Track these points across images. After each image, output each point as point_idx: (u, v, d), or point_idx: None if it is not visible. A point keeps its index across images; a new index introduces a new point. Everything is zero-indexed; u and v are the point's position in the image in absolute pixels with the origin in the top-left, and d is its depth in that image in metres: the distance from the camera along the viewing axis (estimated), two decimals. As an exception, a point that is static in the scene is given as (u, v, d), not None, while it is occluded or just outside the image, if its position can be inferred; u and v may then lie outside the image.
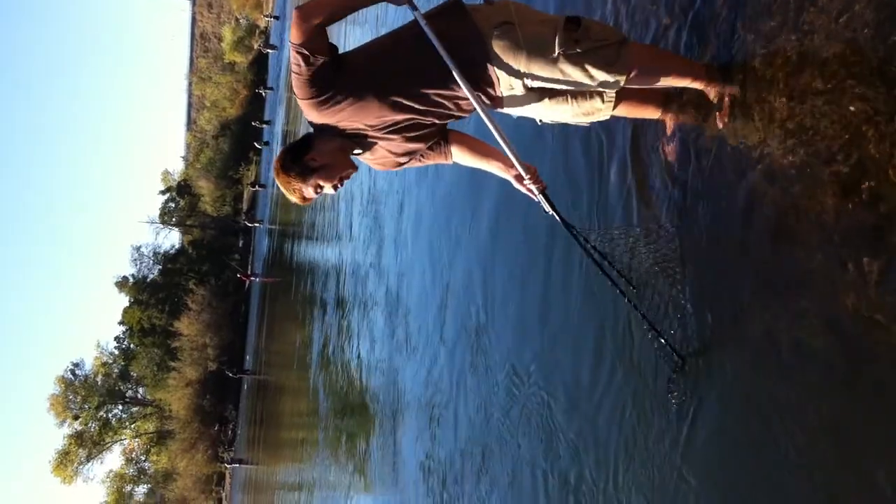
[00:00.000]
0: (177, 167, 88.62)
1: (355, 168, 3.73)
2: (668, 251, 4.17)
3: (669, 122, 4.33)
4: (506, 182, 3.96)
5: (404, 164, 3.87)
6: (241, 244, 73.66)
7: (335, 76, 3.37)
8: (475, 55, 3.46)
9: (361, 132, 3.58)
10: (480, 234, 8.21)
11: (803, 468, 3.08)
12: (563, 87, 3.59)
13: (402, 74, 3.49)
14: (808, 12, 3.26)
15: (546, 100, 3.71)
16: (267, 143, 60.70)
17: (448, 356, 8.79)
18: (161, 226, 78.56)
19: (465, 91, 3.44)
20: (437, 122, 3.68)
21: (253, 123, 65.80)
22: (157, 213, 79.54)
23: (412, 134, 3.67)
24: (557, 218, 3.90)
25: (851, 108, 2.94)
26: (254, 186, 62.27)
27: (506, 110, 3.81)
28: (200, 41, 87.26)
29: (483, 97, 3.59)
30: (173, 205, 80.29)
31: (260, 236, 57.99)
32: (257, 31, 73.32)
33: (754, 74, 3.59)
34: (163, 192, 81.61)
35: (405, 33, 3.51)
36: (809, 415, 3.07)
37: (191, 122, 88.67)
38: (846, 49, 3.02)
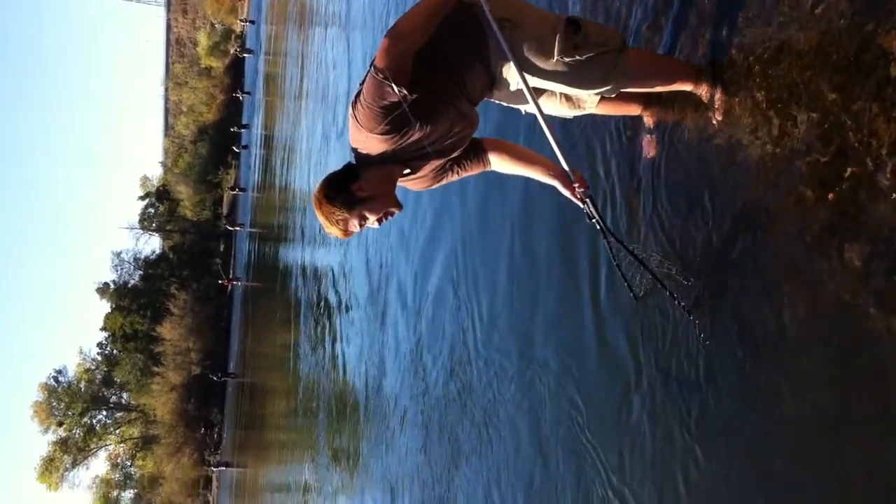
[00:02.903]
0: (155, 172, 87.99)
1: (400, 207, 3.48)
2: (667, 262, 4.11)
3: (650, 118, 4.37)
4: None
5: (442, 178, 3.69)
6: (221, 248, 73.31)
7: (411, 107, 3.13)
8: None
9: (421, 152, 3.37)
10: (465, 229, 8.23)
11: (787, 450, 3.13)
12: (557, 89, 3.61)
13: (454, 80, 3.35)
14: (785, 5, 3.30)
15: None
16: (245, 147, 60.38)
17: (432, 354, 8.80)
18: (141, 231, 78.13)
19: (514, 82, 3.37)
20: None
21: (231, 128, 65.50)
22: (137, 218, 79.14)
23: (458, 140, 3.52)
24: (599, 227, 3.81)
25: (831, 97, 2.98)
26: (233, 190, 61.90)
27: (493, 100, 3.76)
28: (176, 46, 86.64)
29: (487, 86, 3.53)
30: (153, 210, 79.82)
31: (241, 240, 57.73)
32: (233, 36, 72.86)
33: (737, 70, 3.62)
34: (142, 198, 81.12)
35: (440, 34, 3.25)
36: (793, 402, 3.12)
37: (168, 128, 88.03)
38: (822, 39, 3.06)
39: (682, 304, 3.87)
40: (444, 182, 3.74)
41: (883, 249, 2.74)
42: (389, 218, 3.49)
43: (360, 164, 3.39)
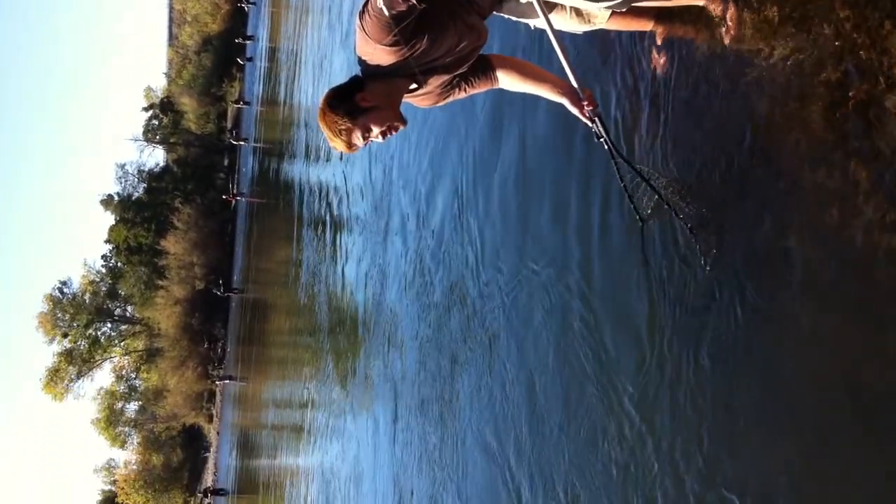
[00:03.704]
0: (159, 84, 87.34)
1: (405, 122, 3.41)
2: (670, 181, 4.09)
3: (661, 34, 4.31)
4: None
5: (449, 95, 3.63)
6: (226, 162, 73.10)
7: (419, 17, 3.08)
8: None
9: (429, 65, 3.33)
10: (472, 148, 8.18)
11: (785, 376, 3.16)
12: (567, 3, 3.55)
13: None
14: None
15: None
16: (250, 59, 59.77)
17: (435, 272, 8.84)
18: (145, 143, 77.87)
19: None
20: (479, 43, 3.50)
21: (236, 39, 64.70)
22: (141, 130, 78.77)
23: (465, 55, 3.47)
24: (607, 146, 3.76)
25: (843, 14, 2.94)
26: (238, 103, 61.37)
27: (502, 14, 3.72)
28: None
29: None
30: (157, 122, 79.38)
31: (245, 155, 57.49)
32: (239, -58, 71.49)
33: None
34: (146, 110, 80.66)
35: None
36: (796, 326, 3.15)
37: (172, 38, 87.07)
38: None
39: (688, 224, 3.87)
40: (450, 99, 3.69)
41: (891, 168, 2.73)
42: (394, 132, 3.43)
43: (366, 76, 3.34)
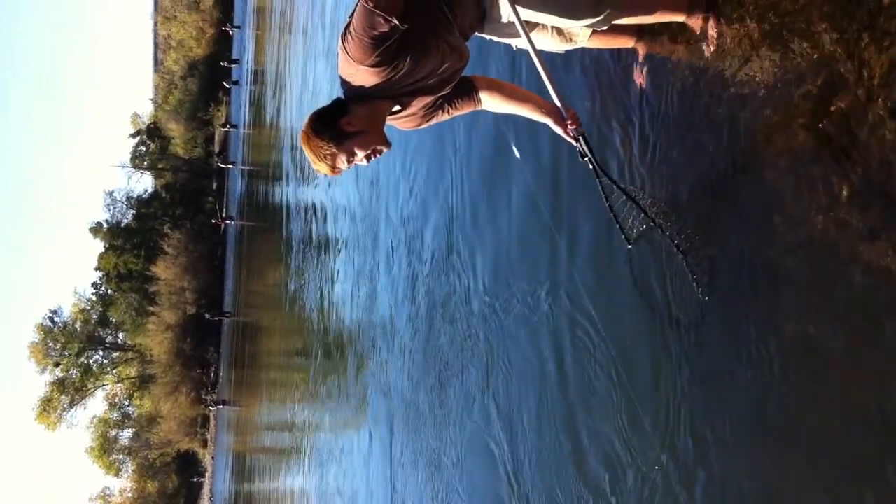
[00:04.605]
0: (146, 110, 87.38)
1: (389, 145, 3.40)
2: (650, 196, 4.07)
3: (642, 51, 4.33)
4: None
5: (432, 117, 3.63)
6: (214, 186, 73.07)
7: (402, 38, 3.06)
8: None
9: (412, 87, 3.33)
10: (461, 171, 8.20)
11: (772, 381, 3.17)
12: (548, 22, 3.56)
13: (444, 12, 3.28)
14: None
15: None
16: (236, 83, 59.89)
17: (426, 289, 8.84)
18: (133, 170, 77.82)
19: (505, 14, 3.31)
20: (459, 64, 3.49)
21: (221, 63, 64.86)
22: (129, 157, 78.71)
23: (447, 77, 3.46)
24: (592, 166, 3.73)
25: (822, 27, 2.96)
26: (225, 127, 61.47)
27: (484, 36, 3.71)
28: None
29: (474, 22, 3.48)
30: (144, 148, 79.36)
31: (234, 178, 57.49)
32: (221, -33, 71.76)
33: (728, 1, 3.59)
34: (133, 136, 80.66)
35: None
36: (782, 333, 3.16)
37: (158, 63, 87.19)
38: (816, -31, 3.03)
39: (675, 242, 3.84)
40: (433, 121, 3.68)
41: (870, 180, 2.74)
42: (378, 155, 3.42)
43: (350, 98, 3.34)
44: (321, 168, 3.37)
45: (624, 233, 4.18)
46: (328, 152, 3.30)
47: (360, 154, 3.35)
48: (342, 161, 3.34)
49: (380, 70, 3.14)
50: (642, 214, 3.97)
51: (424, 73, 3.30)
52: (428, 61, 3.26)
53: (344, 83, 3.32)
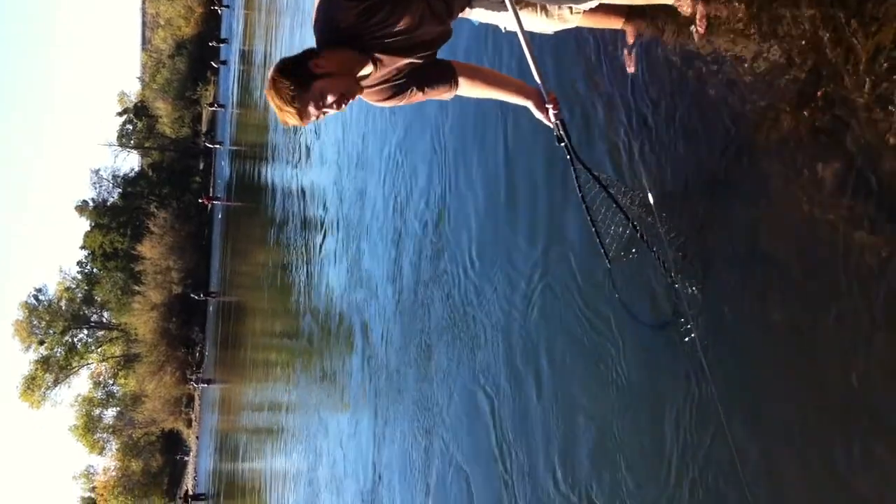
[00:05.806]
0: (133, 88, 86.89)
1: (361, 88, 3.28)
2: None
3: (631, 33, 4.34)
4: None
5: (404, 95, 3.53)
6: (201, 166, 72.68)
7: None
8: None
9: (385, 42, 3.24)
10: (447, 147, 8.19)
11: (758, 361, 3.20)
12: (538, 0, 3.56)
13: None
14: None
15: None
16: (224, 62, 59.44)
17: (411, 271, 8.85)
18: (119, 148, 77.38)
19: None
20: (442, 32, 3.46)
21: (209, 43, 64.38)
22: (115, 135, 78.26)
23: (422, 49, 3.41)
24: (568, 153, 3.69)
25: (809, 13, 2.97)
26: (213, 107, 61.04)
27: (472, 15, 3.69)
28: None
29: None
30: (131, 127, 78.89)
31: (221, 158, 57.17)
32: (210, -55, 71.13)
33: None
34: (120, 114, 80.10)
35: None
36: (767, 318, 3.18)
37: (145, 42, 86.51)
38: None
39: (645, 239, 3.79)
40: (405, 101, 3.60)
41: (855, 167, 2.76)
42: (347, 102, 3.24)
43: (322, 45, 3.24)
44: (288, 116, 3.20)
45: (601, 241, 4.03)
46: (294, 94, 3.13)
47: (331, 98, 3.18)
48: (311, 106, 3.18)
49: (354, 4, 3.09)
50: (615, 206, 3.86)
51: (401, 27, 3.23)
52: (405, 15, 3.20)
53: (317, 28, 3.26)
